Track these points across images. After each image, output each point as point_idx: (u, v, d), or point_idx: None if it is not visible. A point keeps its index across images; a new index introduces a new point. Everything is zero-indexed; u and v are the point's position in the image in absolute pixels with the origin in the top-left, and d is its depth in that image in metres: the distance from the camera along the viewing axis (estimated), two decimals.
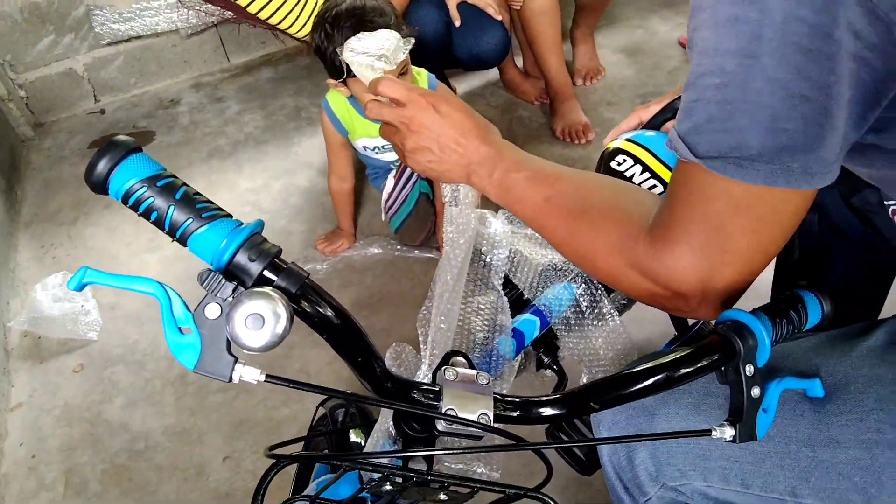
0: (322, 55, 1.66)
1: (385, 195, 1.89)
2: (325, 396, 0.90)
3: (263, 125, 2.55)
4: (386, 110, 0.79)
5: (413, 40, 1.60)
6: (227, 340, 0.48)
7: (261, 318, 0.46)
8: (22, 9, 2.51)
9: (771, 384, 0.59)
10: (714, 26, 0.54)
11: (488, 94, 2.52)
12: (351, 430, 0.80)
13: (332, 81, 1.73)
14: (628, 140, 0.99)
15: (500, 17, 2.06)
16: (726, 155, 0.55)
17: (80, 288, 0.48)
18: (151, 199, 0.51)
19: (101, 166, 0.50)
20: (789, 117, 0.53)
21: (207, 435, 1.57)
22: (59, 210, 2.31)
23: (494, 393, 0.56)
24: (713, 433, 0.57)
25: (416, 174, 1.83)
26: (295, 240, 2.06)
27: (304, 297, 0.53)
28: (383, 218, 1.94)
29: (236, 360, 0.49)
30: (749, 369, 0.57)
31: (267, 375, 0.49)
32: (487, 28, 2.04)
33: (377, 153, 1.91)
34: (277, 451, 0.58)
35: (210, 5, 2.04)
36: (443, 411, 0.54)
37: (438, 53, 2.04)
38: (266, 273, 0.51)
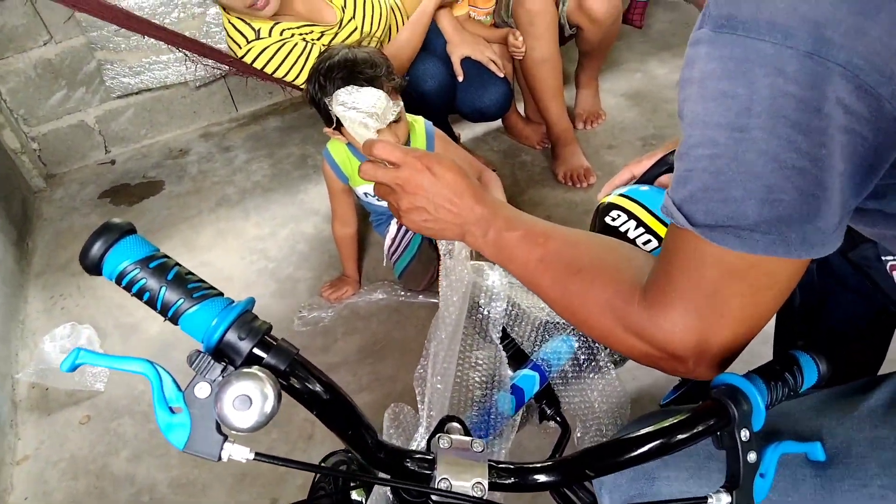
0: (316, 105, 1.71)
1: (388, 241, 1.91)
2: (329, 452, 0.90)
3: (270, 173, 2.59)
4: (381, 172, 0.80)
5: (400, 106, 1.66)
6: (216, 420, 0.49)
7: (248, 399, 0.47)
8: (35, 65, 2.58)
9: (769, 448, 0.59)
10: (703, 100, 0.55)
11: (491, 140, 2.55)
12: (353, 490, 0.80)
13: (328, 130, 1.78)
14: (622, 195, 1.00)
15: (502, 74, 2.11)
16: (724, 224, 0.55)
17: (73, 369, 0.50)
18: (144, 281, 0.53)
19: (96, 249, 0.53)
20: (784, 188, 0.53)
21: (211, 487, 1.57)
22: (69, 261, 2.34)
23: (490, 460, 0.56)
24: (709, 500, 0.56)
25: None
26: (302, 287, 2.08)
27: (293, 374, 0.54)
28: (385, 263, 1.96)
29: (225, 439, 0.49)
30: (745, 434, 0.57)
31: (256, 454, 0.50)
32: (490, 84, 2.09)
33: (378, 200, 1.93)
34: None
35: (209, 61, 2.08)
36: (437, 480, 0.54)
37: (443, 105, 2.09)
38: (256, 351, 0.53)
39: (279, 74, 1.98)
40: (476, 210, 0.78)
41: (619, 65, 2.84)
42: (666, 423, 0.57)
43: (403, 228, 1.89)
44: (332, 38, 2.05)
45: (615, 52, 2.81)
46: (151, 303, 0.53)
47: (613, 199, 1.01)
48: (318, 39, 2.05)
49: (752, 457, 0.57)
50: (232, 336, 0.52)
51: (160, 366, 0.51)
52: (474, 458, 0.56)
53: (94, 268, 0.54)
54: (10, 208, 2.38)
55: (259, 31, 1.98)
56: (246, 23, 1.97)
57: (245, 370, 0.49)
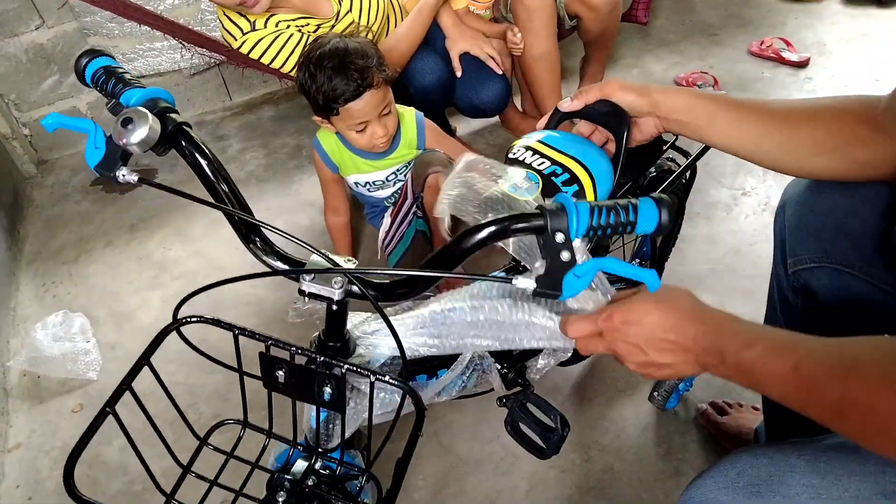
0: (306, 93, 1.70)
1: (382, 233, 1.92)
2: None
3: (265, 163, 2.58)
4: (599, 347, 0.81)
5: (389, 98, 1.72)
6: (121, 155, 0.74)
7: (131, 120, 0.73)
8: (27, 50, 2.55)
9: (595, 259, 0.69)
10: None
11: (487, 134, 2.55)
12: None
13: (317, 119, 1.78)
14: (536, 141, 1.02)
15: (500, 71, 2.11)
16: None
17: (53, 129, 0.75)
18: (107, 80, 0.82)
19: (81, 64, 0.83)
20: None
21: (206, 476, 1.56)
22: (61, 248, 2.32)
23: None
24: (514, 280, 0.68)
25: (412, 212, 1.85)
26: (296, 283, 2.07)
27: (182, 135, 0.79)
28: (380, 256, 1.96)
29: (121, 164, 0.75)
30: (559, 237, 0.68)
31: (139, 178, 0.75)
32: (488, 81, 2.09)
33: (369, 190, 1.95)
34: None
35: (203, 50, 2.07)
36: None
37: (441, 100, 2.09)
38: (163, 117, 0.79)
39: (276, 65, 1.97)
40: (699, 340, 0.75)
41: (615, 61, 2.84)
42: (500, 216, 0.70)
43: (397, 221, 1.89)
44: (329, 31, 2.03)
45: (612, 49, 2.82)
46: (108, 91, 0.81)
47: (522, 142, 1.03)
48: (315, 32, 2.03)
49: (565, 255, 0.68)
50: (147, 102, 0.79)
51: (97, 124, 0.75)
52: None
53: (80, 75, 0.83)
54: (1, 195, 2.35)
55: (254, 22, 1.97)
56: (241, 15, 1.95)
57: (133, 108, 0.74)
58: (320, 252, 0.77)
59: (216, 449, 0.87)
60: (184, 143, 0.79)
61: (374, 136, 1.73)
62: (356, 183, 1.94)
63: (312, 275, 0.76)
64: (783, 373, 0.69)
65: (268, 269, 0.81)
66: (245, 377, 0.85)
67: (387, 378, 0.75)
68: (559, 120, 1.09)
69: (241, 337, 0.80)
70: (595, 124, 1.08)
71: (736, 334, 0.74)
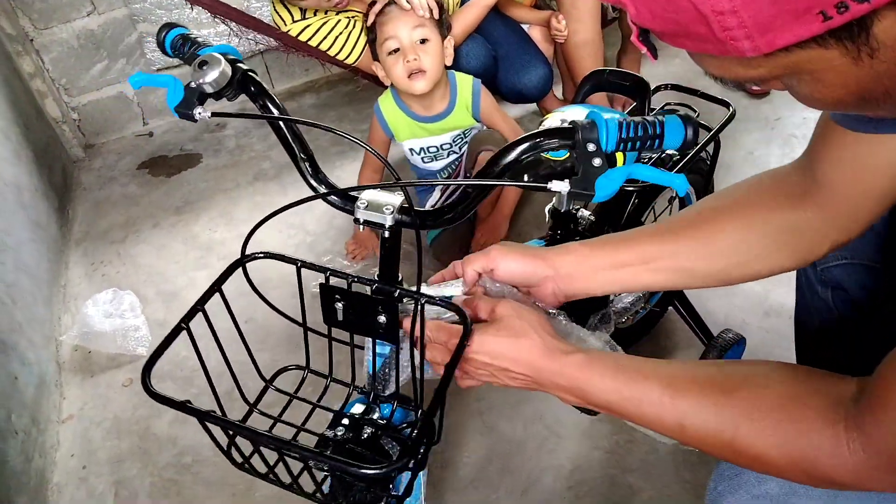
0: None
1: (429, 206, 1.95)
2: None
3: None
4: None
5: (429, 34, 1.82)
6: (197, 97, 0.81)
7: (206, 63, 0.81)
8: (78, 35, 2.61)
9: (622, 167, 0.73)
10: None
11: (527, 122, 2.56)
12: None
13: (375, 65, 1.93)
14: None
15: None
16: None
17: (139, 86, 0.86)
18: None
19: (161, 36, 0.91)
20: None
21: (262, 419, 1.60)
22: (108, 229, 2.38)
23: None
24: (549, 185, 0.72)
25: (460, 190, 1.89)
26: (339, 260, 2.10)
27: (255, 86, 0.85)
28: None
29: (198, 105, 0.82)
30: (590, 147, 0.73)
31: (213, 113, 0.80)
32: (531, 66, 2.11)
33: (424, 160, 1.99)
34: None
35: (259, 34, 2.11)
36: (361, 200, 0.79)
37: (484, 84, 2.11)
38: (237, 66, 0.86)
39: (332, 52, 2.02)
40: (555, 380, 0.79)
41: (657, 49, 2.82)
42: (532, 132, 0.76)
43: (446, 196, 1.93)
44: None
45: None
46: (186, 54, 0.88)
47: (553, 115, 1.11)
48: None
49: (596, 161, 0.73)
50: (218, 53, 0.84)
51: (178, 80, 0.82)
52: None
53: (161, 45, 0.90)
54: (52, 176, 2.42)
55: (305, 10, 2.01)
56: (294, 4, 2.00)
57: (208, 54, 0.82)
58: (384, 160, 0.81)
59: (279, 390, 0.91)
60: (252, 87, 0.86)
61: (410, 64, 1.80)
62: (411, 149, 1.99)
63: (366, 202, 0.80)
64: (667, 425, 0.74)
65: (323, 194, 0.85)
66: (303, 323, 0.90)
67: (436, 299, 0.80)
68: (585, 95, 1.14)
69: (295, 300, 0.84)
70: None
71: (602, 378, 0.77)
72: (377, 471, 0.64)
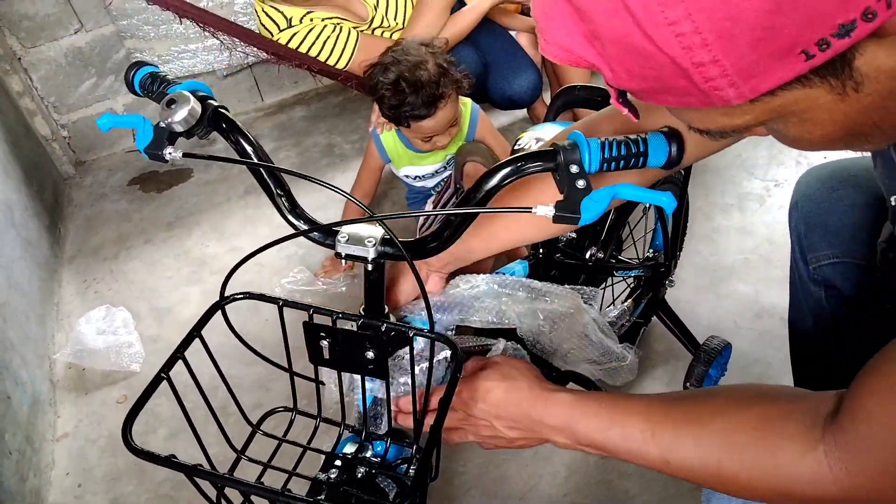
0: (378, 100, 1.76)
1: (421, 220, 1.96)
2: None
3: (297, 162, 2.62)
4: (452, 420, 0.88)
5: (457, 111, 1.79)
6: (167, 137, 0.78)
7: (174, 102, 0.78)
8: (66, 53, 2.62)
9: (611, 186, 0.71)
10: None
11: (517, 130, 2.57)
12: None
13: (382, 120, 1.86)
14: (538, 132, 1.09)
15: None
16: None
17: (108, 128, 0.81)
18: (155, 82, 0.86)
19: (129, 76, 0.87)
20: None
21: (251, 465, 1.59)
22: (101, 246, 2.37)
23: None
24: (534, 209, 0.70)
25: (452, 201, 1.90)
26: (307, 274, 2.10)
27: (224, 121, 0.82)
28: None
29: (169, 145, 0.79)
30: (573, 168, 0.72)
31: (184, 153, 0.79)
32: (521, 72, 2.12)
33: (418, 181, 2.00)
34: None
35: (249, 47, 2.11)
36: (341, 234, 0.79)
37: (474, 93, 2.12)
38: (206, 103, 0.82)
39: (322, 57, 2.03)
40: (546, 420, 0.81)
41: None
42: (513, 157, 0.74)
43: (444, 198, 1.95)
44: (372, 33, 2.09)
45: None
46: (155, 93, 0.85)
47: (527, 135, 1.11)
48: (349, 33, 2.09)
49: (580, 183, 0.71)
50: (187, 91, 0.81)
51: (147, 119, 0.79)
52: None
53: (130, 85, 0.87)
54: (43, 194, 2.41)
55: (290, 19, 2.02)
56: (278, 11, 2.00)
57: (177, 92, 0.79)
58: (354, 199, 0.80)
59: (267, 434, 0.90)
60: (223, 125, 0.84)
61: (438, 143, 1.80)
62: (406, 175, 1.99)
63: (347, 236, 0.79)
64: (653, 461, 0.75)
65: (303, 231, 0.84)
66: (289, 368, 0.88)
67: (424, 331, 0.79)
68: (557, 111, 1.14)
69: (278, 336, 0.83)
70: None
71: (586, 416, 0.79)
72: None
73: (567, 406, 0.80)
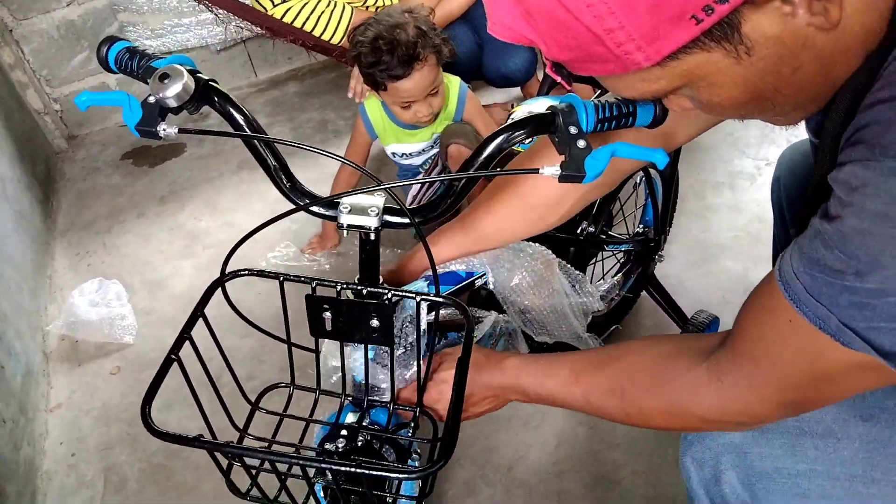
0: (358, 64, 1.75)
1: (409, 198, 1.97)
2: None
3: (291, 137, 2.61)
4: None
5: (438, 79, 1.76)
6: (159, 112, 0.76)
7: (167, 76, 0.76)
8: (58, 26, 2.60)
9: (606, 146, 0.73)
10: None
11: (511, 108, 2.57)
12: None
13: (366, 87, 1.85)
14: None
15: None
16: None
17: (86, 107, 0.78)
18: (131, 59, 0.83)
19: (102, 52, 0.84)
20: None
21: (230, 429, 1.61)
22: (93, 219, 2.37)
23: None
24: (541, 170, 0.72)
25: (439, 183, 1.91)
26: (293, 249, 2.11)
27: (216, 93, 0.81)
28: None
29: (160, 121, 0.76)
30: (573, 129, 0.74)
31: (180, 129, 0.77)
32: (515, 50, 2.12)
33: (405, 159, 1.99)
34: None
35: (242, 21, 2.10)
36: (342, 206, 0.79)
37: (469, 71, 2.13)
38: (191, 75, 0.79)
39: (317, 32, 2.03)
40: (503, 383, 0.92)
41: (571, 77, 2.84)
42: (514, 122, 0.77)
43: (426, 187, 1.94)
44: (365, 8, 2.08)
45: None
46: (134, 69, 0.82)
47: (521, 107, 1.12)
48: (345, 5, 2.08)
49: (581, 143, 0.73)
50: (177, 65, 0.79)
51: (131, 96, 0.77)
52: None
53: (103, 61, 0.84)
54: (35, 168, 2.41)
55: None
56: None
57: (169, 65, 0.77)
58: (362, 168, 0.80)
59: (269, 411, 0.91)
60: (216, 98, 0.83)
61: (418, 113, 1.78)
62: (394, 153, 1.99)
63: (349, 207, 0.79)
64: (578, 402, 0.86)
65: (304, 205, 0.84)
66: (288, 340, 0.89)
67: (432, 296, 0.79)
68: (550, 86, 1.15)
69: (272, 310, 0.82)
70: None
71: (531, 373, 0.89)
72: (419, 473, 0.64)
73: (515, 368, 0.90)
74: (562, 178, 0.72)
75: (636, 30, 0.52)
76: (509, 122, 1.03)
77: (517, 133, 0.77)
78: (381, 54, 1.65)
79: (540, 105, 1.21)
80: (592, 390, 0.84)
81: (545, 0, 0.54)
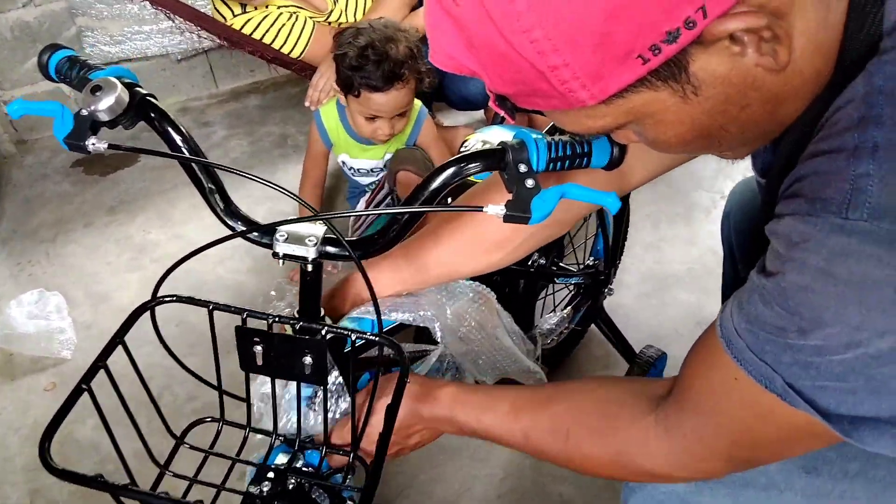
0: (338, 63, 1.72)
1: (352, 218, 1.96)
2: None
3: (249, 151, 2.57)
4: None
5: (409, 104, 1.76)
6: (90, 125, 0.73)
7: (100, 88, 0.73)
8: (13, 27, 2.52)
9: (555, 187, 0.71)
10: (862, 306, 0.51)
11: (473, 131, 2.57)
12: None
13: (336, 88, 1.82)
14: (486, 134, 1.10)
15: None
16: (863, 416, 0.56)
17: (18, 116, 0.77)
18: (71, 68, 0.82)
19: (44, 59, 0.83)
20: None
21: (179, 460, 1.55)
22: (38, 227, 2.29)
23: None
24: (485, 208, 0.68)
25: (385, 203, 1.90)
26: (276, 265, 2.07)
27: (150, 108, 0.78)
28: (350, 235, 1.97)
29: (92, 135, 0.73)
30: (522, 168, 0.71)
31: (109, 144, 0.73)
32: None
33: (353, 174, 1.98)
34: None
35: (204, 31, 2.07)
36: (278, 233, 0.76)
37: (430, 92, 2.11)
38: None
39: (277, 45, 2.00)
40: (434, 413, 0.87)
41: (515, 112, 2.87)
42: (460, 156, 0.74)
43: (377, 198, 1.93)
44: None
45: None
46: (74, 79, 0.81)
47: (474, 137, 1.12)
48: (304, 23, 2.06)
49: (529, 183, 0.70)
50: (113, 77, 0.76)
51: (65, 107, 0.74)
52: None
53: (44, 69, 0.83)
54: None
55: (245, 5, 1.99)
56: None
57: (102, 78, 0.74)
58: (296, 197, 0.75)
59: (193, 447, 0.86)
60: (152, 114, 0.79)
61: (379, 130, 1.76)
62: (343, 162, 1.98)
63: (286, 235, 0.75)
64: (517, 439, 0.82)
65: (238, 232, 0.80)
66: (220, 364, 0.85)
67: (367, 335, 0.76)
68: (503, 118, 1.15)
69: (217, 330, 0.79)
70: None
71: (465, 406, 0.85)
72: None
73: (450, 398, 0.86)
74: (506, 219, 0.69)
75: (581, 68, 0.50)
76: (461, 152, 1.01)
77: (468, 166, 0.74)
78: (367, 63, 1.64)
79: (493, 134, 1.20)
80: (534, 428, 0.81)
81: (488, 32, 0.51)
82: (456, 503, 1.45)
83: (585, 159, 0.75)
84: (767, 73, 0.53)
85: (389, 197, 1.92)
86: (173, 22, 2.11)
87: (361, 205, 1.94)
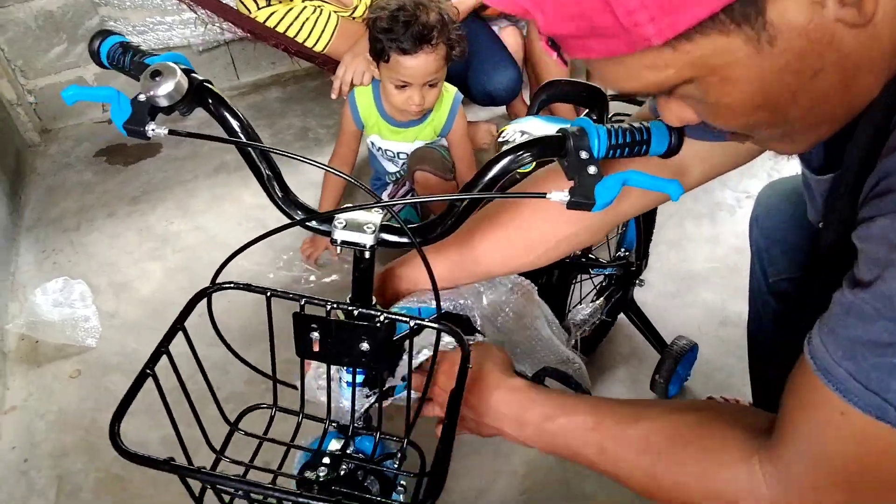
0: (371, 29, 1.74)
1: (385, 197, 1.96)
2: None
3: (270, 143, 2.57)
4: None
5: (440, 74, 1.76)
6: (149, 110, 0.72)
7: (160, 73, 0.71)
8: (37, 16, 2.54)
9: (620, 173, 0.70)
10: None
11: (494, 127, 2.56)
12: None
13: (368, 58, 1.83)
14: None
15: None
16: None
17: (73, 101, 0.75)
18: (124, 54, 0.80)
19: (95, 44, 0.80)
20: None
21: (204, 446, 1.56)
22: (61, 216, 2.31)
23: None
24: (548, 195, 0.67)
25: (410, 194, 1.91)
26: (297, 257, 2.07)
27: (211, 96, 0.76)
28: None
29: (150, 120, 0.72)
30: (583, 154, 0.70)
31: (169, 130, 0.72)
32: (502, 69, 2.11)
33: (381, 157, 1.98)
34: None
35: (226, 23, 2.07)
36: (336, 220, 0.75)
37: (455, 86, 2.11)
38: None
39: (300, 38, 2.00)
40: (500, 409, 0.81)
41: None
42: (522, 143, 0.72)
43: (399, 193, 1.94)
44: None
45: None
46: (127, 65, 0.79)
47: (511, 127, 1.11)
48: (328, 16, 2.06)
49: (591, 169, 0.69)
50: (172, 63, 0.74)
51: (121, 93, 0.73)
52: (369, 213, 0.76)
53: (95, 55, 0.80)
54: (4, 160, 2.34)
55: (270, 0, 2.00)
56: None
57: (162, 63, 0.72)
58: (359, 183, 0.75)
59: (248, 434, 0.85)
60: (209, 100, 0.78)
61: (410, 100, 1.76)
62: (373, 143, 1.99)
63: (344, 222, 0.75)
64: (590, 450, 0.75)
65: (298, 220, 0.79)
66: (273, 375, 0.85)
67: (426, 322, 0.76)
68: (540, 106, 1.14)
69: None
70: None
71: (536, 403, 0.79)
72: None
73: (521, 392, 0.80)
74: (570, 205, 0.68)
75: None
76: (497, 143, 1.00)
77: (524, 154, 0.73)
78: (398, 24, 1.66)
79: (531, 125, 1.19)
80: (616, 443, 0.73)
81: None
82: (479, 498, 1.45)
83: (644, 146, 0.73)
84: (848, 30, 0.49)
85: (410, 195, 1.93)
86: (196, 13, 2.12)
87: (385, 197, 1.95)
